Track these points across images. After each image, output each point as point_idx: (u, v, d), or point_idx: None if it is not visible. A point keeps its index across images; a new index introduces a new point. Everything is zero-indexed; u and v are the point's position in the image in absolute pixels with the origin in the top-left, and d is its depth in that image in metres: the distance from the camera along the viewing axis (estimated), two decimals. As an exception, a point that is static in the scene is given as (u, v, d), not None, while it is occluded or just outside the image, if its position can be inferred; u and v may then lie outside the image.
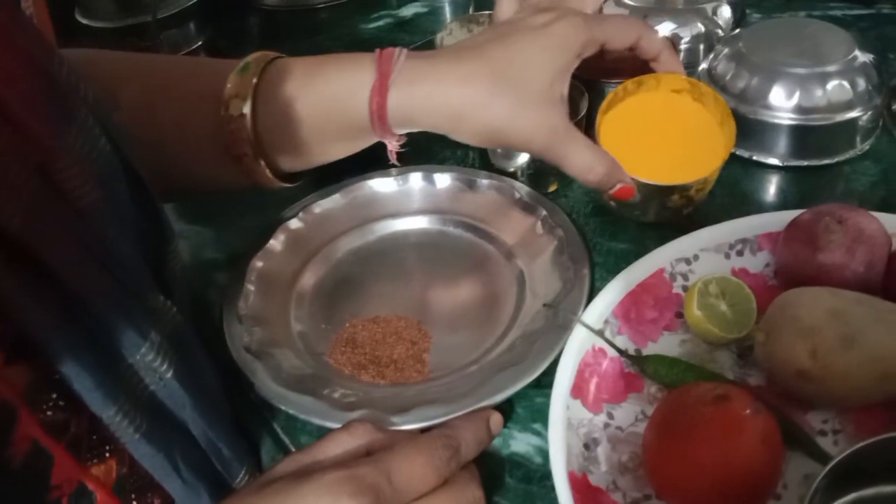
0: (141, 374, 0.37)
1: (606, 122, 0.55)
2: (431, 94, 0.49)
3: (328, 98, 0.51)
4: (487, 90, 0.49)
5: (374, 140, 0.53)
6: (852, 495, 0.38)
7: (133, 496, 0.38)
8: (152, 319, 0.37)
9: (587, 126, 0.60)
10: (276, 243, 0.59)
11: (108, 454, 0.36)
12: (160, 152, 0.51)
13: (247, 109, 0.51)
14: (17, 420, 0.31)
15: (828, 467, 0.35)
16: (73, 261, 0.32)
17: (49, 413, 0.33)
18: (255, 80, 0.51)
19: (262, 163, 0.53)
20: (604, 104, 0.56)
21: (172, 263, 0.44)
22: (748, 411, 0.39)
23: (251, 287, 0.55)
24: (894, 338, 0.42)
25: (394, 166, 0.59)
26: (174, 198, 0.63)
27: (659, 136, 0.55)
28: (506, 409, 0.47)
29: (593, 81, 0.63)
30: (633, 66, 0.59)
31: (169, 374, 0.37)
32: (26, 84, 0.32)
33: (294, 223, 0.60)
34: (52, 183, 0.32)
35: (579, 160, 0.51)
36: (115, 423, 0.34)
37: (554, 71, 0.50)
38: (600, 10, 0.59)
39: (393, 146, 0.53)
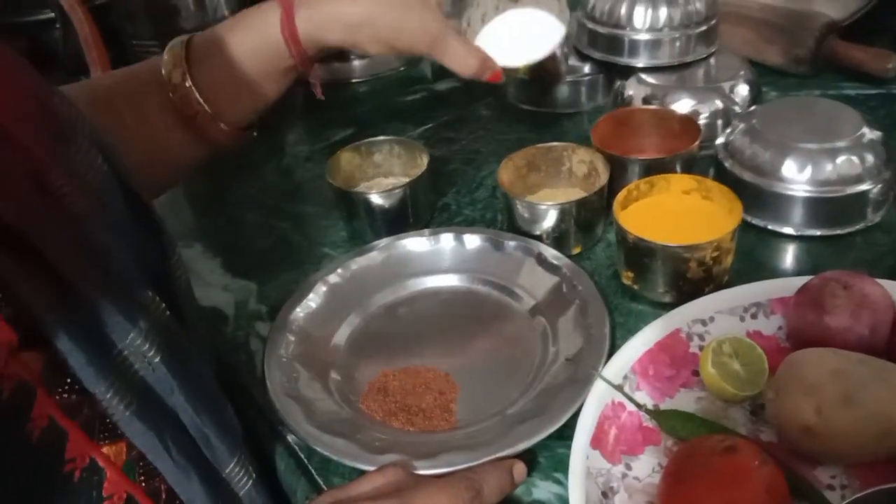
0: (131, 358, 0.40)
1: (624, 217, 0.60)
2: (332, 11, 0.60)
3: (249, 40, 0.60)
4: (378, 4, 0.60)
5: (296, 71, 0.62)
6: (856, 546, 0.40)
7: (142, 478, 0.41)
8: (142, 311, 0.41)
9: (608, 195, 0.64)
10: (315, 296, 0.63)
11: (119, 437, 0.40)
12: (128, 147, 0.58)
13: (186, 74, 0.59)
14: (35, 398, 0.35)
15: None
16: (65, 253, 0.37)
17: (64, 396, 0.37)
18: (184, 52, 0.60)
19: (213, 117, 0.60)
20: (620, 198, 0.61)
21: (178, 272, 0.49)
22: (755, 462, 0.41)
23: (291, 337, 0.60)
24: (892, 396, 0.44)
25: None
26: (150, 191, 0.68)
27: (673, 229, 0.59)
28: (529, 458, 0.50)
29: (614, 156, 0.67)
30: (649, 144, 0.69)
31: (157, 360, 0.41)
32: (24, 112, 0.38)
33: (333, 278, 0.64)
34: (45, 189, 0.37)
35: (457, 54, 0.62)
36: (106, 399, 0.38)
37: None
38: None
39: (315, 77, 0.64)
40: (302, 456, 0.53)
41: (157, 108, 0.60)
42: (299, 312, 0.61)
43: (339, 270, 0.65)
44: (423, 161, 0.71)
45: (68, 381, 0.37)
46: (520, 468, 0.47)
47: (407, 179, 0.70)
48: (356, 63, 1.03)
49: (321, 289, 0.64)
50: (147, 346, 0.41)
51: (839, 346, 0.49)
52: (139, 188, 0.46)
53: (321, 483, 0.52)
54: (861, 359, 0.47)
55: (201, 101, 0.59)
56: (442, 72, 1.01)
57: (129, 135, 0.59)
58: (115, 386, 0.38)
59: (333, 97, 1.02)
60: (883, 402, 0.44)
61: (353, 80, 1.03)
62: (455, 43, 0.62)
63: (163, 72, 0.59)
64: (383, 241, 0.67)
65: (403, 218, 0.70)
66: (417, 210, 0.70)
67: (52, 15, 1.00)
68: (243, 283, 0.70)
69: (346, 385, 0.57)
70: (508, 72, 0.65)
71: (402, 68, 1.04)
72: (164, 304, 0.44)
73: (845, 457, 0.46)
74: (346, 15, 0.60)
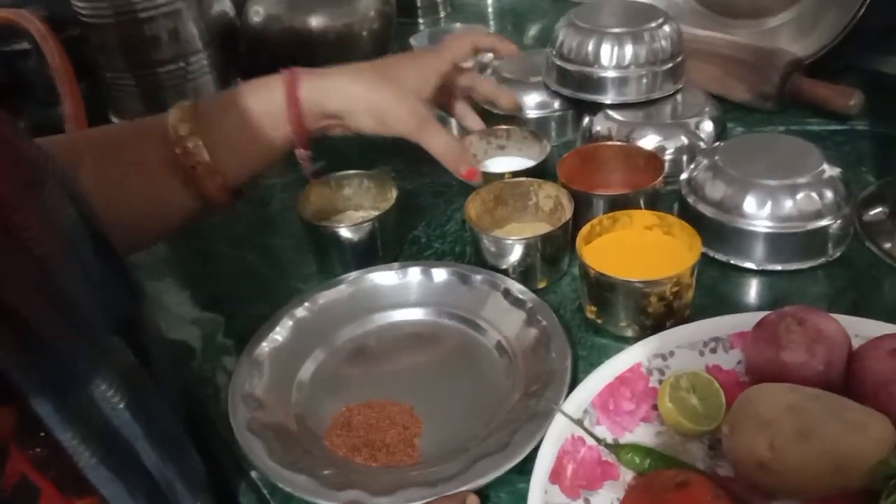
0: (95, 403, 0.40)
1: (587, 252, 0.61)
2: (334, 83, 0.67)
3: (254, 103, 0.65)
4: (374, 81, 0.68)
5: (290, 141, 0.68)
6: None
7: None
8: (106, 357, 0.41)
9: (573, 229, 0.65)
10: (282, 330, 0.63)
11: (89, 492, 0.39)
12: (123, 201, 0.61)
13: (192, 128, 0.62)
14: (8, 455, 0.35)
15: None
16: (28, 296, 0.37)
17: (37, 450, 0.37)
18: (192, 109, 0.63)
19: (213, 169, 0.63)
20: (584, 232, 0.63)
21: (146, 320, 0.49)
22: (708, 498, 0.42)
23: (256, 371, 0.59)
24: (848, 433, 0.45)
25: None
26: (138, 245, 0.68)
27: (635, 264, 0.60)
28: (490, 493, 0.50)
29: (578, 192, 0.68)
30: (614, 179, 0.72)
31: (121, 406, 0.41)
32: None
33: (300, 311, 0.64)
34: (9, 230, 0.37)
35: (439, 143, 0.69)
36: (73, 446, 0.38)
37: (420, 78, 0.72)
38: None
39: (302, 154, 0.69)
40: (265, 492, 0.53)
41: (159, 162, 0.63)
42: (265, 346, 0.61)
43: (307, 304, 0.65)
44: (393, 195, 0.72)
45: (41, 435, 0.37)
46: (472, 500, 0.47)
47: (376, 213, 0.71)
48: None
49: (288, 323, 0.64)
50: (111, 392, 0.40)
51: (796, 381, 0.49)
52: (110, 236, 0.46)
53: (282, 519, 0.51)
54: (817, 394, 0.48)
55: (205, 152, 0.62)
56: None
57: (130, 185, 0.63)
58: (82, 433, 0.38)
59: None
60: (838, 439, 0.45)
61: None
62: (440, 132, 0.69)
63: (169, 124, 0.63)
64: (352, 275, 0.68)
65: (373, 251, 0.70)
66: (387, 243, 0.71)
67: (28, 46, 1.01)
68: (211, 317, 0.70)
69: (310, 420, 0.57)
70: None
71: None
72: (130, 350, 0.44)
73: (800, 492, 0.46)
74: (345, 87, 0.68)
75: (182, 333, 0.68)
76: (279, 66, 0.99)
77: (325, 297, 0.66)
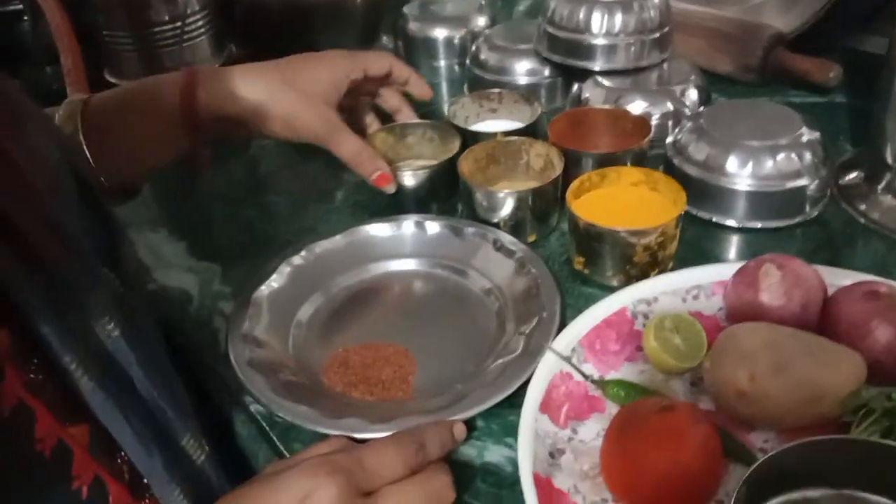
0: (95, 328, 0.42)
1: (576, 206, 0.64)
2: (235, 87, 0.65)
3: (147, 104, 0.64)
4: (279, 86, 0.66)
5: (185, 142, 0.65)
6: (779, 498, 0.43)
7: (105, 459, 0.42)
8: (100, 286, 0.43)
9: (563, 187, 0.67)
10: (279, 276, 0.65)
11: (81, 419, 0.41)
12: None
13: (76, 126, 0.60)
14: (3, 377, 0.36)
15: (749, 471, 0.40)
16: (30, 222, 0.38)
17: (31, 375, 0.38)
18: (80, 108, 0.61)
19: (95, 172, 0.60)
20: (573, 187, 0.65)
21: (128, 258, 0.51)
22: (691, 420, 0.44)
23: (255, 312, 0.61)
24: (820, 367, 0.48)
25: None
26: None
27: (622, 217, 0.62)
28: (482, 425, 0.53)
29: (568, 150, 0.70)
30: (603, 142, 0.74)
31: (116, 333, 0.42)
32: None
33: (297, 259, 0.66)
34: (8, 163, 0.38)
35: (349, 148, 0.68)
36: (71, 370, 0.39)
37: (330, 82, 0.70)
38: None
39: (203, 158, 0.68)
40: (263, 424, 0.55)
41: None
42: (263, 290, 0.63)
43: (304, 253, 0.67)
44: (455, 145, 0.74)
45: (35, 360, 0.38)
46: (460, 427, 0.49)
47: (435, 162, 0.73)
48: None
49: (285, 269, 0.65)
50: (107, 318, 0.42)
51: (773, 322, 0.52)
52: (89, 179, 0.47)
53: (282, 449, 0.53)
54: (793, 332, 0.50)
55: (88, 155, 0.60)
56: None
57: None
58: (80, 356, 0.40)
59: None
60: (811, 371, 0.47)
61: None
62: (352, 139, 0.68)
63: (56, 122, 0.60)
64: (346, 227, 0.70)
65: (430, 198, 0.73)
66: (444, 192, 0.73)
67: (21, 7, 1.01)
68: (208, 266, 0.72)
69: (308, 359, 0.59)
70: None
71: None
72: (118, 282, 0.45)
73: (776, 421, 0.49)
74: (248, 92, 0.65)
75: (179, 280, 0.70)
76: (273, 34, 1.01)
77: (322, 246, 0.68)
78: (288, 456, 0.52)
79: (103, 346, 0.42)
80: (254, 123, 0.66)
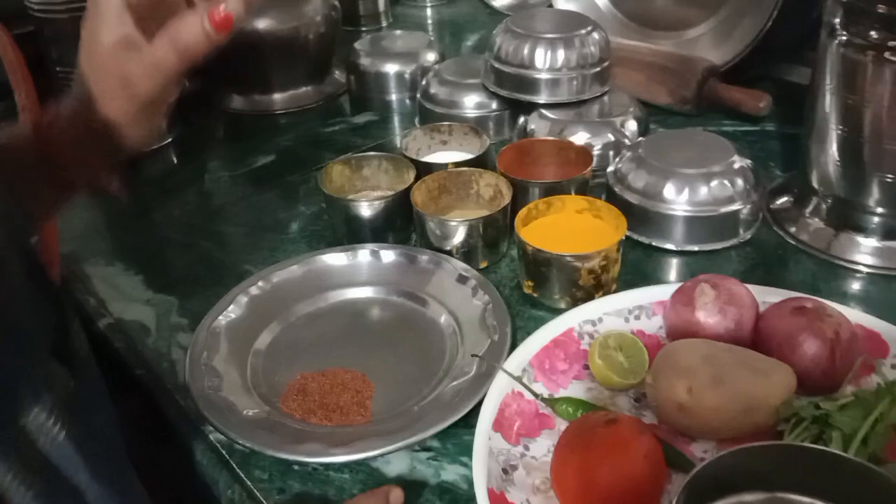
0: (33, 435, 0.38)
1: (525, 233, 0.67)
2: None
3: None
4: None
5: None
6: (718, 503, 0.46)
7: None
8: (46, 384, 0.40)
9: (511, 213, 0.70)
10: (236, 307, 0.66)
11: None
12: None
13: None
14: None
15: (689, 477, 0.43)
16: None
17: None
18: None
19: None
20: (521, 215, 0.68)
21: (77, 343, 0.47)
22: (635, 432, 0.47)
23: (213, 343, 0.62)
24: (755, 379, 0.51)
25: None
26: None
27: (567, 243, 0.65)
28: (437, 445, 0.55)
29: (516, 180, 0.73)
30: (548, 172, 0.77)
31: (62, 437, 0.39)
32: None
33: (254, 290, 0.68)
34: None
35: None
36: (6, 482, 0.36)
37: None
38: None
39: None
40: (223, 452, 0.56)
41: None
42: (221, 321, 0.64)
43: (260, 283, 0.69)
44: (410, 176, 0.76)
45: None
46: (396, 494, 0.49)
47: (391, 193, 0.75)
48: (276, 96, 1.08)
49: (242, 300, 0.67)
50: (51, 422, 0.39)
51: (710, 338, 0.55)
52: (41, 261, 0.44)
53: (242, 475, 0.54)
54: (728, 347, 0.54)
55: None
56: (359, 106, 1.07)
57: None
58: (16, 466, 0.37)
59: (255, 127, 1.06)
60: (747, 383, 0.51)
61: (275, 112, 1.08)
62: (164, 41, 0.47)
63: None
64: (303, 256, 0.71)
65: (387, 227, 0.75)
66: (400, 221, 0.75)
67: (-27, 43, 1.01)
68: (165, 298, 0.72)
69: (266, 387, 0.61)
70: None
71: (320, 102, 1.09)
72: (70, 375, 0.42)
73: (715, 432, 0.52)
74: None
75: (136, 313, 0.71)
76: (226, 68, 1.02)
77: (279, 275, 0.69)
78: (248, 482, 0.53)
79: (44, 452, 0.39)
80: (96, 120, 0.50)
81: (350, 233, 0.75)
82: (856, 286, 0.69)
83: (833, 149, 0.70)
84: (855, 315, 0.58)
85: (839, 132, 0.69)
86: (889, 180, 0.68)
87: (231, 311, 0.66)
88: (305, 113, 1.08)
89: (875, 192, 0.69)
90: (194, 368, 0.60)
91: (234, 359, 0.62)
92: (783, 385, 0.51)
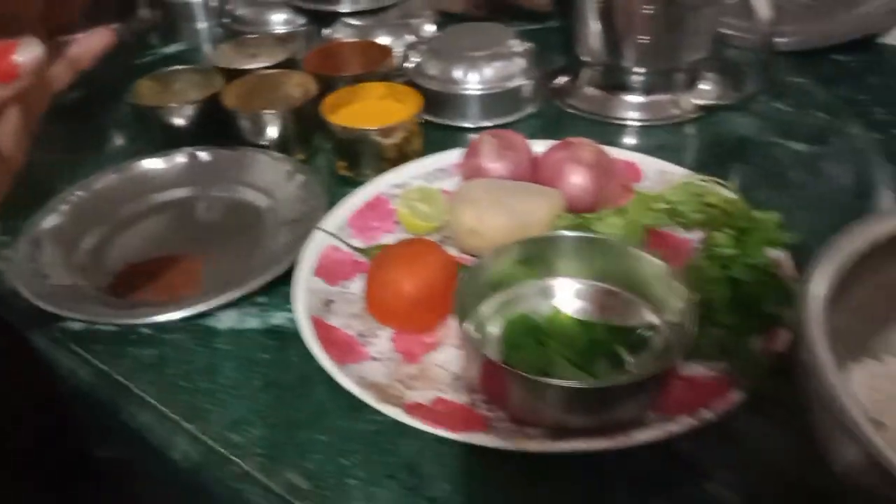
0: None
1: (333, 118, 0.72)
2: None
3: None
4: None
5: None
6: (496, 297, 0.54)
7: None
8: None
9: (316, 106, 0.76)
10: (58, 215, 0.68)
11: None
12: None
13: None
14: None
15: (465, 275, 0.51)
16: None
17: None
18: None
19: None
20: (328, 102, 0.74)
21: None
22: (432, 247, 0.55)
23: (36, 246, 0.64)
24: (528, 199, 0.60)
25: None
26: None
27: (373, 123, 0.71)
28: (264, 299, 0.60)
29: (322, 76, 0.79)
30: (354, 71, 0.82)
31: None
32: None
33: (74, 198, 0.70)
34: None
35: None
36: None
37: None
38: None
39: None
40: (59, 335, 0.59)
41: None
42: (44, 226, 0.66)
43: (80, 192, 0.71)
44: (220, 83, 0.79)
45: None
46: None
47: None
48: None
49: (63, 207, 0.69)
50: None
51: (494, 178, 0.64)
52: None
53: (81, 351, 0.57)
54: (509, 182, 0.63)
55: None
56: (169, 37, 1.08)
57: None
58: None
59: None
60: (522, 204, 0.60)
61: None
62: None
63: None
64: (121, 165, 0.74)
65: (201, 132, 0.78)
66: (211, 126, 0.78)
67: None
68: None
69: (96, 278, 0.63)
70: None
71: (130, 38, 1.09)
72: None
73: (503, 252, 0.61)
74: None
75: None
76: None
77: (100, 182, 0.72)
78: (88, 356, 0.57)
79: None
80: None
81: (167, 143, 0.78)
82: (628, 139, 0.80)
83: (594, 20, 0.80)
84: (615, 151, 0.68)
85: (597, 4, 0.79)
86: (642, 41, 0.79)
87: (53, 219, 0.68)
88: (115, 49, 1.07)
89: (633, 54, 0.80)
90: (22, 272, 0.62)
91: (60, 260, 0.64)
92: (552, 203, 0.60)
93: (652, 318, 0.52)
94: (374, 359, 0.53)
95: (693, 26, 0.78)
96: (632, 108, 0.82)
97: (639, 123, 0.81)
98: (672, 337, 0.49)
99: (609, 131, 0.81)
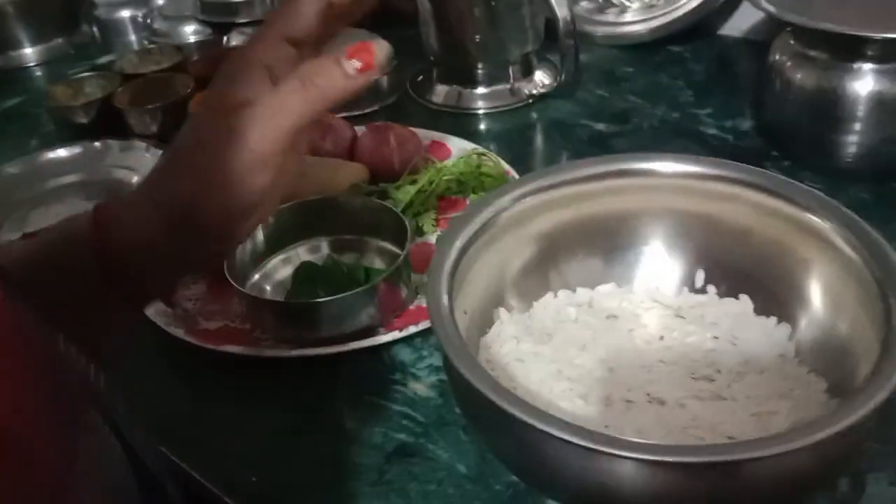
0: None
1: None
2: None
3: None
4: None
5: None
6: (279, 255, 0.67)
7: None
8: None
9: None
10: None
11: None
12: None
13: None
14: None
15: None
16: None
17: None
18: None
19: None
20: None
21: None
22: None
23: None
24: (332, 171, 0.73)
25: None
26: None
27: None
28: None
29: (203, 77, 0.92)
30: None
31: None
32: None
33: (-17, 181, 0.84)
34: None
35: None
36: None
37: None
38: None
39: None
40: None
41: None
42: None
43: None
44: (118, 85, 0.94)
45: None
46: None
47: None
48: (27, 50, 1.22)
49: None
50: None
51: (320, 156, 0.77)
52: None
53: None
54: (323, 160, 0.75)
55: None
56: (104, 49, 1.23)
57: None
58: None
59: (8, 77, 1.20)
60: (327, 175, 0.72)
61: (27, 65, 1.22)
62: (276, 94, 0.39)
63: None
64: (21, 159, 0.88)
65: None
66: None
67: None
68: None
69: None
70: None
71: (72, 52, 1.24)
72: None
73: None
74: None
75: None
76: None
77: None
78: None
79: None
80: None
81: (73, 138, 0.92)
82: (479, 126, 0.91)
83: (434, 25, 0.93)
84: (429, 133, 0.81)
85: (433, 10, 0.91)
86: (475, 40, 0.91)
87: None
88: (57, 62, 1.22)
89: (470, 51, 0.92)
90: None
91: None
92: (354, 174, 0.73)
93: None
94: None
95: (517, 23, 0.90)
96: (480, 98, 0.94)
97: (485, 111, 0.93)
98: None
99: (464, 122, 0.91)
